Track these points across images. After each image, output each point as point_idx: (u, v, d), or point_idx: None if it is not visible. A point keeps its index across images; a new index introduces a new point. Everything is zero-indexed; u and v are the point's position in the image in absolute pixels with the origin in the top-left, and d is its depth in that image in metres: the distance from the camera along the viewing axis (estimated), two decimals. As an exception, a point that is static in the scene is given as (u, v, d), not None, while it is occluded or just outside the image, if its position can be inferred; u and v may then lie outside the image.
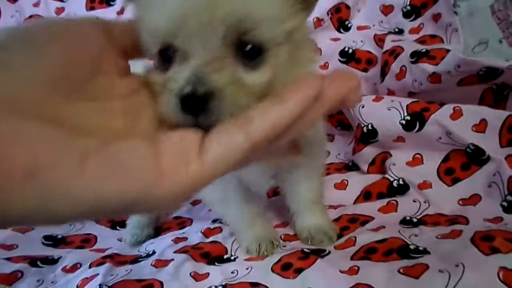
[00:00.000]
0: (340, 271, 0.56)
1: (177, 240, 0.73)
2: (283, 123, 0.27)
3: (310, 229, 0.68)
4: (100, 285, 0.59)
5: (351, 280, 0.53)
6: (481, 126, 0.73)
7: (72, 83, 0.28)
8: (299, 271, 0.58)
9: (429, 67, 0.82)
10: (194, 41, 0.32)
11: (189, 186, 0.26)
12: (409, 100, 0.81)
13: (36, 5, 1.32)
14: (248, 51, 0.33)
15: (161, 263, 0.65)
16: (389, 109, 0.82)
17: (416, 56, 0.86)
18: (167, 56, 0.34)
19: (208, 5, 0.30)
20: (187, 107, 0.30)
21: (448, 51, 0.81)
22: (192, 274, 0.61)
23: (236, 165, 0.27)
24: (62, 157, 0.23)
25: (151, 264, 0.65)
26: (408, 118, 0.79)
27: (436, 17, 0.97)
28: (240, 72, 0.33)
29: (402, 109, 0.81)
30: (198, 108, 0.30)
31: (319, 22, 1.05)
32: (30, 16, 1.32)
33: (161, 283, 0.59)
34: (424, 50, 0.86)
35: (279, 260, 0.62)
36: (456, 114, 0.75)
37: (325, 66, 1.05)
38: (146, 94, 0.33)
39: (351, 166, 0.92)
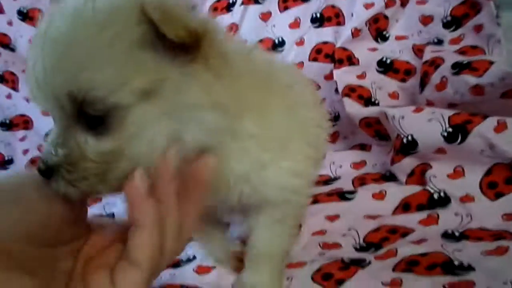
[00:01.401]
0: (382, 283, 0.56)
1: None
2: (156, 246, 0.34)
3: (243, 286, 0.60)
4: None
5: (394, 293, 0.53)
6: (526, 140, 0.72)
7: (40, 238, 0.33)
8: (340, 282, 0.58)
9: (471, 79, 0.80)
10: (49, 111, 0.36)
11: None
12: (451, 112, 0.81)
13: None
14: (90, 120, 0.34)
15: (203, 270, 0.67)
16: (430, 121, 0.81)
17: (458, 68, 0.85)
18: None
19: (44, 83, 0.34)
20: (40, 175, 0.35)
21: (491, 63, 0.80)
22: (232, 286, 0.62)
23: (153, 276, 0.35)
24: None
25: (193, 270, 0.67)
26: (450, 130, 0.78)
27: (478, 28, 0.95)
28: (84, 141, 0.35)
29: (444, 121, 0.80)
30: (47, 177, 0.35)
31: (357, 32, 1.05)
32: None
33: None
34: (466, 62, 0.84)
35: (319, 269, 0.62)
36: (500, 127, 0.74)
37: (362, 76, 1.05)
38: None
39: (389, 177, 0.92)
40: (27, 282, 0.30)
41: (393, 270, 0.59)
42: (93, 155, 0.35)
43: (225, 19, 1.25)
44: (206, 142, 0.38)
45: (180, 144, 0.36)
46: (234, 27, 1.24)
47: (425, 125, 0.82)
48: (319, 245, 0.71)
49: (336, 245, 0.71)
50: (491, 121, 0.75)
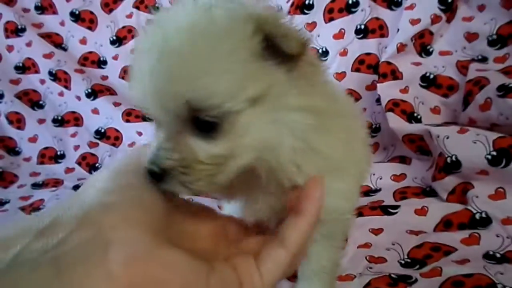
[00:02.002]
0: (431, 303, 0.61)
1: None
2: (308, 233, 0.39)
3: None
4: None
5: (443, 313, 0.58)
6: None
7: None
8: (390, 298, 0.64)
9: (518, 103, 0.83)
10: (157, 116, 0.38)
11: None
12: (496, 135, 0.84)
13: (129, 16, 1.44)
14: (202, 125, 0.37)
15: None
16: (475, 142, 0.85)
17: (504, 91, 0.88)
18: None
19: (161, 91, 0.36)
20: (150, 177, 0.37)
21: (538, 87, 0.83)
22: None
23: (284, 273, 0.38)
24: (196, 278, 0.32)
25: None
26: (494, 153, 0.81)
27: (525, 49, 0.97)
28: (196, 146, 0.37)
29: (488, 144, 0.83)
30: (157, 179, 0.37)
31: (402, 47, 1.08)
32: (123, 27, 1.44)
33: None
34: (511, 85, 0.87)
35: (368, 284, 0.68)
36: (545, 154, 0.77)
37: (405, 90, 1.09)
38: None
39: (429, 192, 0.96)
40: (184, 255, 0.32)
41: (440, 289, 0.64)
42: (206, 158, 0.37)
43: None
44: (301, 143, 0.42)
45: (280, 144, 0.40)
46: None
47: (470, 147, 0.85)
48: (366, 258, 0.76)
49: (382, 259, 0.76)
50: (536, 148, 0.78)
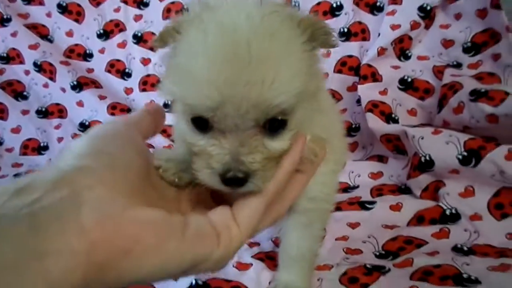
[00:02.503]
0: (402, 290, 0.65)
1: (251, 245, 0.84)
2: (284, 181, 0.42)
3: (277, 285, 0.67)
4: (195, 279, 0.71)
5: (412, 300, 0.63)
6: (534, 168, 0.81)
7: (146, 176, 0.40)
8: (364, 286, 0.68)
9: (488, 108, 0.89)
10: (230, 122, 0.38)
11: (234, 247, 0.38)
12: (467, 137, 0.89)
13: (116, 10, 1.45)
14: (274, 125, 0.40)
15: (242, 266, 0.76)
16: (447, 143, 0.90)
17: (476, 95, 0.93)
18: (199, 123, 0.41)
19: (243, 95, 0.37)
20: (228, 184, 0.39)
21: (506, 93, 0.88)
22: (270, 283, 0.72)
23: (260, 225, 0.42)
24: (169, 233, 0.34)
25: (233, 266, 0.76)
26: (465, 154, 0.87)
27: (496, 57, 1.03)
28: (267, 144, 0.40)
29: (460, 144, 0.88)
30: (240, 184, 0.39)
31: (383, 51, 1.13)
32: (111, 21, 1.45)
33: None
34: (483, 90, 0.93)
35: (345, 273, 0.72)
36: (511, 155, 0.83)
37: (384, 92, 1.13)
38: None
39: (404, 189, 1.01)
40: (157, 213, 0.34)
41: (410, 278, 0.68)
42: (277, 154, 0.41)
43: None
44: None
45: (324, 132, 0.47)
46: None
47: (442, 147, 0.90)
48: (343, 250, 0.81)
49: (358, 251, 0.80)
50: (503, 149, 0.83)
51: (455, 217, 0.85)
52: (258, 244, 0.85)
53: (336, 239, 0.85)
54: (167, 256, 0.33)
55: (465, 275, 0.67)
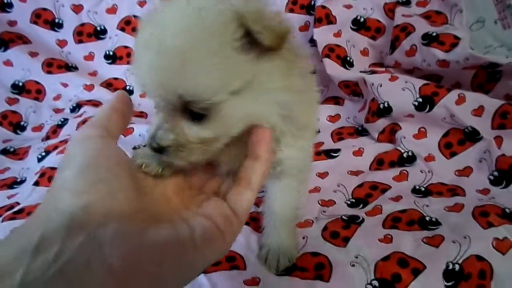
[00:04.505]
0: (378, 240, 0.74)
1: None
2: (266, 174, 0.46)
3: (269, 249, 0.72)
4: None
5: (388, 249, 0.72)
6: (478, 111, 0.90)
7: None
8: (346, 239, 0.76)
9: (439, 54, 0.94)
10: (157, 103, 0.45)
11: (235, 236, 0.42)
12: (421, 82, 0.95)
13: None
14: (193, 113, 0.43)
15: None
16: (404, 90, 0.96)
17: (428, 40, 0.98)
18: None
19: (157, 81, 0.42)
20: (152, 150, 0.45)
21: (456, 37, 0.94)
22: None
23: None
24: (183, 245, 0.36)
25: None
26: (420, 100, 0.94)
27: (444, -5, 1.06)
28: (188, 129, 0.44)
29: (415, 91, 0.95)
30: (159, 152, 0.45)
31: (335, -10, 1.11)
32: None
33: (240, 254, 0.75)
34: (434, 34, 0.97)
35: (325, 228, 0.79)
36: (460, 100, 0.91)
37: (338, 34, 1.14)
38: None
39: (361, 131, 1.08)
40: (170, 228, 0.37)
41: (383, 226, 0.77)
42: (196, 140, 0.45)
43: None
44: (286, 112, 0.49)
45: (268, 114, 0.47)
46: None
47: (399, 94, 0.96)
48: (318, 202, 0.87)
49: (331, 202, 0.88)
50: (453, 95, 0.91)
51: (411, 159, 0.95)
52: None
53: (310, 191, 0.91)
54: (186, 268, 0.36)
55: (427, 218, 0.77)
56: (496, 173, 0.85)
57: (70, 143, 0.40)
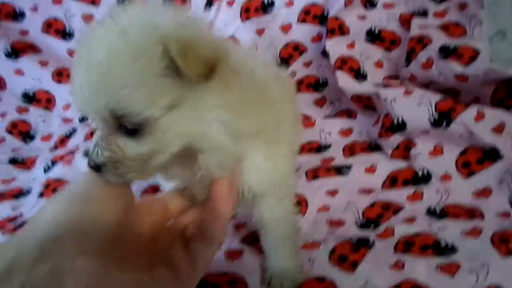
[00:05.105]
0: (389, 266, 0.70)
1: (238, 227, 0.85)
2: (225, 226, 0.51)
3: (273, 272, 0.70)
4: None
5: (400, 276, 0.68)
6: (499, 128, 0.85)
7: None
8: (354, 264, 0.72)
9: (458, 68, 0.90)
10: (92, 121, 0.45)
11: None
12: (438, 97, 0.91)
13: None
14: (127, 129, 0.43)
15: (234, 255, 0.77)
16: (419, 105, 0.92)
17: (445, 52, 0.93)
18: None
19: (89, 101, 0.42)
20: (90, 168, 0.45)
21: (474, 50, 0.90)
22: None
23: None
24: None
25: (224, 255, 0.77)
26: (437, 116, 0.89)
27: (462, 6, 1.02)
28: (124, 145, 0.44)
29: (431, 106, 0.90)
30: (97, 170, 0.44)
31: (350, 1, 1.08)
32: None
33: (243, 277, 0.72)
34: (452, 47, 0.93)
35: (333, 251, 0.75)
36: (479, 117, 0.86)
37: (352, 45, 1.10)
38: None
39: (374, 147, 1.04)
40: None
41: (395, 250, 0.73)
42: (132, 156, 0.44)
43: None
44: (222, 139, 0.47)
45: (206, 135, 0.46)
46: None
47: (415, 109, 0.92)
48: (327, 222, 0.84)
49: (341, 222, 0.84)
50: (472, 111, 0.86)
51: (426, 177, 0.90)
52: (244, 225, 0.86)
53: (318, 210, 0.87)
54: None
55: (443, 243, 0.72)
56: (517, 195, 0.80)
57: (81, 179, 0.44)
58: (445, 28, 1.03)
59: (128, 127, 0.43)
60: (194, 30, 0.43)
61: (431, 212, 0.82)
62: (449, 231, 0.75)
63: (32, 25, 1.26)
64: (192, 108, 0.44)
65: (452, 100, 0.90)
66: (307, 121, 1.13)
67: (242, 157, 0.54)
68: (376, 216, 0.84)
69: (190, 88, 0.43)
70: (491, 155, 0.85)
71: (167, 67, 0.41)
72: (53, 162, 1.11)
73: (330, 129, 1.11)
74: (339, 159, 1.02)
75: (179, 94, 0.43)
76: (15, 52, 1.24)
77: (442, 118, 0.89)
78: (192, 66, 0.40)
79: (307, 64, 1.19)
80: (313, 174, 0.95)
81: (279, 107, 0.62)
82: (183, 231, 0.52)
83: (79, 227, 0.37)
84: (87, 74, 0.41)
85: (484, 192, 0.85)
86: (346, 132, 1.10)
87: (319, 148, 1.08)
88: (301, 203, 0.89)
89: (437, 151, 0.92)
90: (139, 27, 0.42)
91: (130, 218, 0.46)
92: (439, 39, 0.97)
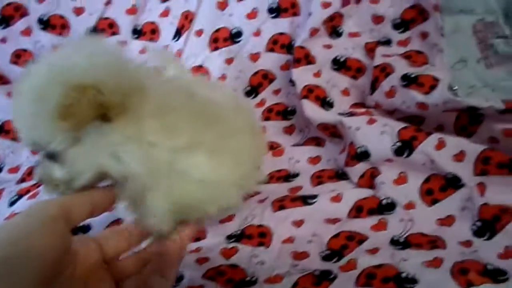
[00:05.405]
0: (349, 300, 0.69)
1: (200, 261, 0.83)
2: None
3: None
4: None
5: (360, 310, 0.67)
6: (460, 156, 0.86)
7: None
8: (315, 298, 0.71)
9: (418, 96, 0.91)
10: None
11: None
12: (400, 125, 0.92)
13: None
14: (51, 155, 0.50)
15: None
16: (382, 134, 0.92)
17: (407, 81, 0.95)
18: None
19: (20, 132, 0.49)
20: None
21: (434, 78, 0.91)
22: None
23: None
24: None
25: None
26: (399, 144, 0.90)
27: (424, 35, 1.04)
28: (49, 168, 0.51)
29: (393, 135, 0.91)
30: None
31: (315, 32, 1.09)
32: (9, 4, 1.25)
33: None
34: (413, 76, 0.94)
35: (296, 284, 0.74)
36: (440, 145, 0.87)
37: (318, 74, 1.12)
38: None
39: (341, 175, 1.04)
40: None
41: (356, 283, 0.72)
42: (56, 178, 0.51)
43: (180, 6, 1.21)
44: (133, 171, 0.49)
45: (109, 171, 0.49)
46: (189, 16, 1.21)
47: (377, 138, 0.93)
48: (290, 255, 0.83)
49: (305, 254, 0.83)
50: (433, 139, 0.87)
51: (391, 206, 0.90)
52: (207, 259, 0.84)
53: (282, 242, 0.86)
54: None
55: (403, 274, 0.72)
56: (479, 223, 0.80)
57: (24, 211, 0.44)
58: (408, 57, 1.05)
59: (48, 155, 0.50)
60: (106, 75, 0.45)
61: (394, 242, 0.82)
62: (411, 261, 0.75)
63: (1, 56, 1.25)
64: (93, 142, 0.47)
65: (414, 128, 0.91)
66: (277, 149, 1.14)
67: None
68: (340, 247, 0.83)
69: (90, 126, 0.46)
70: (453, 182, 0.86)
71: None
72: (19, 195, 1.09)
73: (299, 157, 1.11)
74: (307, 188, 1.02)
75: (76, 133, 0.47)
76: (-18, 83, 1.23)
77: (405, 147, 0.89)
78: (80, 111, 0.43)
79: (276, 92, 1.20)
80: (279, 205, 0.95)
81: (237, 140, 0.62)
82: (117, 275, 0.52)
83: (14, 269, 0.37)
84: (15, 108, 0.48)
85: (448, 220, 0.85)
86: (315, 160, 1.11)
87: (288, 176, 1.07)
88: (266, 235, 0.88)
89: (402, 179, 0.93)
90: (46, 69, 0.47)
91: (67, 258, 0.45)
92: (402, 67, 0.99)
